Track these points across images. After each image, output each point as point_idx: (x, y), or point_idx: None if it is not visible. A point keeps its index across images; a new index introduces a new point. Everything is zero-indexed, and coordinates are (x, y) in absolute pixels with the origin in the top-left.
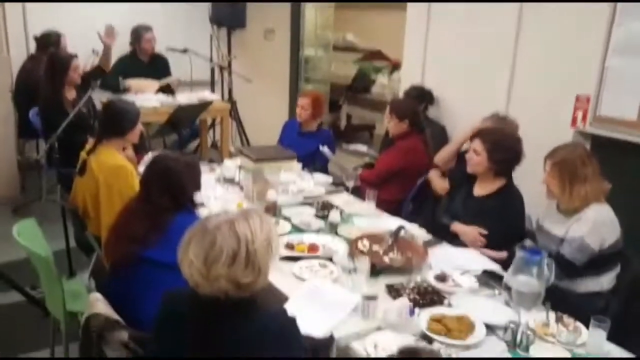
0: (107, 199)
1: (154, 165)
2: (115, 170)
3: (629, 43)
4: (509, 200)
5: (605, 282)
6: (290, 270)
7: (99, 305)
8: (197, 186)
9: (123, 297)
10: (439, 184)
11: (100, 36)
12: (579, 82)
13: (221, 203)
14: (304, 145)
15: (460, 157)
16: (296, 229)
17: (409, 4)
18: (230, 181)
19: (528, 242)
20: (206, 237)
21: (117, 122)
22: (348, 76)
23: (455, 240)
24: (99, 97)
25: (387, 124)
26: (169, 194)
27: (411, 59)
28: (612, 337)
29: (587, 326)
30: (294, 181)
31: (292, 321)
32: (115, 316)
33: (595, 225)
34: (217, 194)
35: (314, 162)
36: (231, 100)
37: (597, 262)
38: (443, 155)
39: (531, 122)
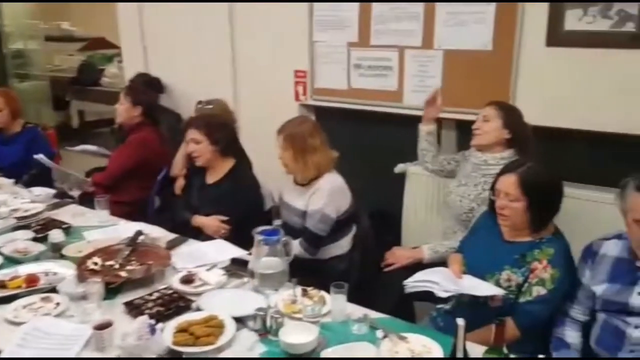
0: None
1: None
2: None
3: (328, 18)
4: (241, 180)
5: (345, 244)
6: (2, 316)
7: None
8: None
9: None
10: None
11: None
12: (296, 58)
13: None
14: (11, 152)
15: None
16: (10, 260)
17: None
18: None
19: (276, 222)
20: None
21: None
22: (73, 69)
23: (200, 235)
24: None
25: (118, 106)
26: None
27: (130, 47)
28: (357, 294)
29: None
30: (3, 202)
31: None
32: None
33: (330, 195)
34: None
35: (29, 169)
36: None
37: (336, 228)
38: (177, 166)
39: (260, 101)
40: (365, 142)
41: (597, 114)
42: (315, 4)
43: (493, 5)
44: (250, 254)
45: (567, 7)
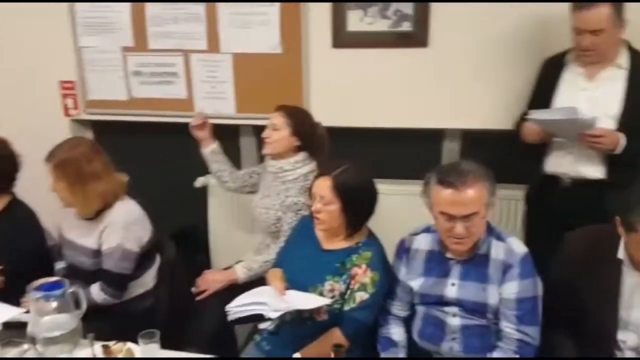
0: None
1: None
2: None
3: (94, 20)
4: (19, 220)
5: (148, 281)
6: None
7: None
8: None
9: None
10: None
11: None
12: (60, 67)
13: None
14: None
15: None
16: None
17: None
18: None
19: (59, 265)
20: None
21: None
22: None
23: None
24: None
25: None
26: None
27: None
28: (170, 333)
29: None
30: None
31: None
32: None
33: (126, 227)
34: None
35: None
36: None
37: (138, 263)
38: None
39: (21, 120)
40: (158, 158)
41: (386, 112)
42: (76, 4)
43: (276, 5)
44: (28, 312)
45: (348, 7)
